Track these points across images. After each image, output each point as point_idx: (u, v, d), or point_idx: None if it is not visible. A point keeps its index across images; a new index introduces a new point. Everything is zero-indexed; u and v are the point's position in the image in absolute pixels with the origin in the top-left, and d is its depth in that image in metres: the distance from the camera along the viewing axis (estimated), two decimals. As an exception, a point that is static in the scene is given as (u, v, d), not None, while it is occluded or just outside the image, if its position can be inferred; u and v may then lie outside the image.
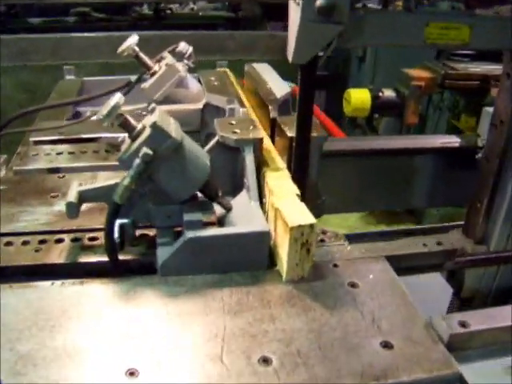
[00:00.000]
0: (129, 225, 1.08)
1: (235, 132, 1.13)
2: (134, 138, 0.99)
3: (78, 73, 2.44)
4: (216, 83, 1.49)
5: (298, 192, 1.05)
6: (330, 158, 1.56)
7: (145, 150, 0.96)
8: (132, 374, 0.78)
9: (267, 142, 1.28)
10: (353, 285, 1.00)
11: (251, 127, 1.16)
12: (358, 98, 2.92)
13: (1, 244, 1.07)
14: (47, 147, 1.55)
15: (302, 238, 0.95)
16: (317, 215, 1.32)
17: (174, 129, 1.00)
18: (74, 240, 1.10)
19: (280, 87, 1.44)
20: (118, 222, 1.08)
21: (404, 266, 1.12)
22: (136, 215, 1.08)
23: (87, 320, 0.88)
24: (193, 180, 1.04)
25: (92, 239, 1.10)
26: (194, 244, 0.98)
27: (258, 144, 1.12)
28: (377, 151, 1.62)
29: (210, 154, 1.16)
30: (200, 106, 1.43)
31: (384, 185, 1.66)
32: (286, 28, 1.07)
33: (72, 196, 1.03)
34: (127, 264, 1.04)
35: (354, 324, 0.90)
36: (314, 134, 1.16)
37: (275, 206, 1.00)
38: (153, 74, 1.45)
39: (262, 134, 1.13)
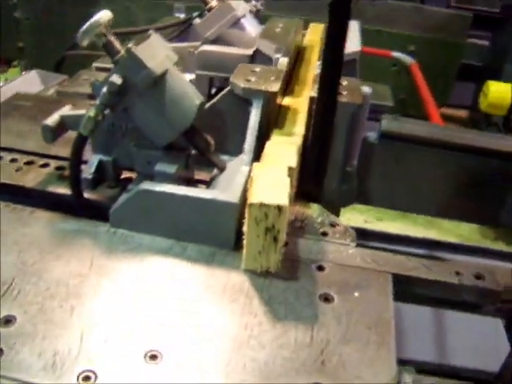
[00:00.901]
0: (108, 163, 0.96)
1: (248, 80, 0.93)
2: (115, 64, 0.86)
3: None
4: (278, 30, 1.28)
5: (293, 165, 0.82)
6: (400, 143, 1.26)
7: (113, 78, 0.82)
8: (8, 321, 0.68)
9: (303, 102, 1.05)
10: (326, 298, 0.76)
11: (272, 78, 0.95)
12: (497, 91, 2.48)
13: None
14: (103, 74, 1.49)
15: (266, 221, 0.73)
16: (341, 203, 1.08)
17: (158, 60, 0.83)
18: (59, 168, 1.02)
19: (348, 45, 1.18)
20: (98, 158, 0.97)
21: (420, 293, 0.84)
22: (118, 154, 0.96)
23: (6, 251, 0.79)
24: (173, 123, 0.87)
25: (73, 170, 1.00)
26: (147, 198, 0.82)
27: (268, 98, 0.90)
28: (463, 147, 1.27)
29: (221, 103, 0.99)
30: (250, 52, 1.23)
31: (464, 190, 1.31)
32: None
33: (51, 119, 0.94)
34: (91, 204, 0.93)
35: (292, 349, 0.67)
36: (343, 100, 0.90)
37: (251, 174, 0.79)
38: (209, 11, 1.29)
39: (279, 87, 0.91)
